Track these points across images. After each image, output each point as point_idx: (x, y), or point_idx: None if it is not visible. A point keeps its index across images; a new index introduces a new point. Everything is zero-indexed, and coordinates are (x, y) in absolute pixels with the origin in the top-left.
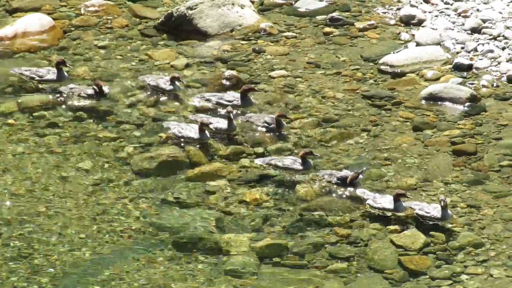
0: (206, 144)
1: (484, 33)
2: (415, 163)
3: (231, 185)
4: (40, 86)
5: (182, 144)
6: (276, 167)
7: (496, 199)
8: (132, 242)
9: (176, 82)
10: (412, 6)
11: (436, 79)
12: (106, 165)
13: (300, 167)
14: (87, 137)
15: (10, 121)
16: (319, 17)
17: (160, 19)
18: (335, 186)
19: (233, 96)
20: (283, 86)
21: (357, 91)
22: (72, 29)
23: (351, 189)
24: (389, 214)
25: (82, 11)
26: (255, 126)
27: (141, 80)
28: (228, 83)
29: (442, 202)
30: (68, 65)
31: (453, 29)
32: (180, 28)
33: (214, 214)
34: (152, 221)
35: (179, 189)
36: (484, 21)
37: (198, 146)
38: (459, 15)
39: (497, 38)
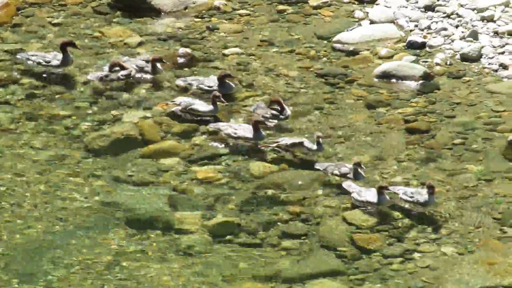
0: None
1: (437, 11)
2: (368, 141)
3: (184, 162)
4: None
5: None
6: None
7: (448, 177)
8: (85, 220)
9: (158, 65)
10: None
11: (390, 57)
12: (59, 143)
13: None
14: (40, 115)
15: None
16: None
17: None
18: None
19: (214, 81)
20: (237, 64)
21: (311, 69)
22: (26, 6)
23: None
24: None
25: None
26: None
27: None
28: (182, 60)
29: (428, 188)
30: (77, 46)
31: (406, 7)
32: (134, 6)
33: (167, 192)
34: (106, 199)
35: (132, 166)
36: None
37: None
38: None
39: (451, 16)
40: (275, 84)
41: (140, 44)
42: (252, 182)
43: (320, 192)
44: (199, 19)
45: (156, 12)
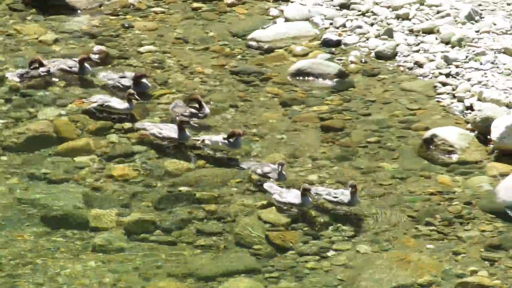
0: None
1: (352, 9)
2: (283, 139)
3: (100, 160)
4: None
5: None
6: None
7: (363, 175)
8: (0, 216)
9: (85, 64)
10: None
11: (305, 55)
12: None
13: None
14: None
15: None
16: None
17: None
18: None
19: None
20: (152, 62)
21: (226, 66)
22: None
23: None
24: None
25: None
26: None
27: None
28: (97, 58)
29: (351, 187)
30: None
31: (321, 5)
32: (49, 3)
33: (82, 190)
34: (20, 196)
35: (48, 164)
36: None
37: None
38: None
39: (366, 14)
40: (190, 81)
41: (55, 41)
42: (168, 179)
43: (235, 190)
44: (114, 17)
45: (70, 10)
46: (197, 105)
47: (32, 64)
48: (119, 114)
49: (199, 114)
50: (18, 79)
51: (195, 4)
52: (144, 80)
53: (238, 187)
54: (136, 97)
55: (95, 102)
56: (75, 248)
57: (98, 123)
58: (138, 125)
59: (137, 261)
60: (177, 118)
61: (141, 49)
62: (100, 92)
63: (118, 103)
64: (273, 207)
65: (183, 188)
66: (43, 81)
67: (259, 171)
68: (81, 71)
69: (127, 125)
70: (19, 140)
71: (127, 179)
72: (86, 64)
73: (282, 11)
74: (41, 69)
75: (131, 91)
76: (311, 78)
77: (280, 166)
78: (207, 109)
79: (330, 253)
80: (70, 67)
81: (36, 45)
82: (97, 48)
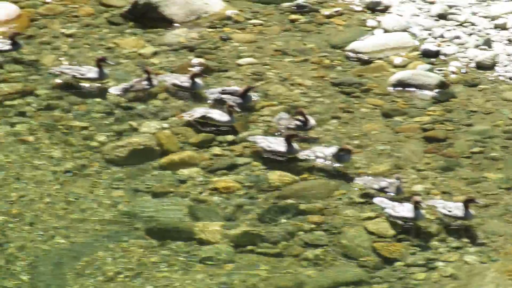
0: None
1: (450, 20)
2: (386, 150)
3: (203, 173)
4: (82, 84)
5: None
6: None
7: (468, 185)
8: (105, 231)
9: (196, 79)
10: None
11: (404, 66)
12: (78, 154)
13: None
14: (58, 126)
15: None
16: (284, 4)
17: (127, 7)
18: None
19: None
20: (251, 74)
21: (326, 78)
22: (39, 17)
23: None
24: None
25: (49, 0)
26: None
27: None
28: (196, 70)
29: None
30: (109, 62)
31: (419, 16)
32: (147, 16)
33: (186, 202)
34: (125, 209)
35: (151, 177)
36: (450, 7)
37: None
38: (425, 1)
39: (464, 24)
40: (291, 93)
41: (154, 54)
42: (273, 192)
43: (340, 201)
44: (212, 29)
45: (168, 23)
46: (302, 118)
47: (148, 74)
48: (221, 126)
49: (305, 127)
50: (121, 93)
51: (293, 16)
52: (250, 93)
53: (343, 199)
54: (236, 109)
55: (197, 114)
56: (181, 261)
57: (201, 136)
58: (250, 138)
59: (243, 273)
60: (284, 131)
61: (240, 61)
62: (202, 105)
63: (219, 115)
64: (379, 218)
65: (288, 200)
66: (145, 95)
67: (375, 186)
68: (193, 87)
69: (230, 137)
70: (122, 154)
71: (232, 191)
72: (197, 80)
73: (379, 22)
74: (144, 82)
75: (231, 103)
76: (412, 88)
77: (397, 181)
78: (312, 121)
79: (438, 264)
80: (182, 82)
81: (135, 58)
82: (196, 60)
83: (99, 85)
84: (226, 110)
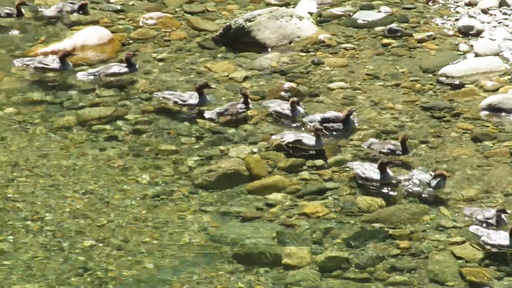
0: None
1: None
2: (475, 175)
3: (291, 197)
4: (184, 110)
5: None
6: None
7: None
8: (193, 255)
9: (297, 107)
10: (470, 17)
11: (495, 90)
12: (167, 178)
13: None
14: (147, 151)
15: (70, 134)
16: (377, 28)
17: (219, 32)
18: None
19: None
20: (342, 98)
21: (416, 102)
22: (131, 42)
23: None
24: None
25: (140, 24)
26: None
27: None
28: (287, 95)
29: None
30: (211, 86)
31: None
32: (239, 40)
33: (274, 227)
34: (213, 234)
35: (240, 201)
36: None
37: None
38: None
39: None
40: (381, 117)
41: (245, 78)
42: (360, 216)
43: (428, 226)
44: (304, 53)
45: (260, 47)
46: (399, 145)
47: (245, 97)
48: (310, 150)
49: (397, 152)
50: (215, 117)
51: (385, 40)
52: (351, 117)
53: (431, 223)
54: (325, 131)
55: (287, 139)
56: (268, 286)
57: (290, 160)
58: (348, 164)
59: None
60: (376, 156)
61: (332, 85)
62: (291, 128)
63: (308, 139)
64: (467, 243)
65: (376, 225)
66: (235, 119)
67: (480, 216)
68: (293, 113)
69: (319, 162)
70: (211, 178)
71: (319, 215)
72: (298, 107)
73: (472, 46)
74: (239, 105)
75: (318, 125)
76: (503, 113)
77: (500, 212)
78: (409, 149)
79: None
80: (283, 110)
81: (226, 82)
82: (287, 84)
83: (196, 110)
84: (314, 134)
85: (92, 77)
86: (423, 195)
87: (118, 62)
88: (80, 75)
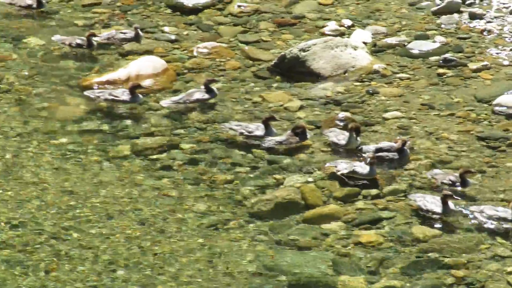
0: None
1: None
2: None
3: (347, 226)
4: (247, 141)
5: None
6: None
7: None
8: (249, 284)
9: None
10: None
11: None
12: (222, 207)
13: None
14: (202, 180)
15: (125, 163)
16: (432, 58)
17: (273, 61)
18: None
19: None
20: (397, 128)
21: (471, 132)
22: (185, 71)
23: None
24: None
25: (195, 54)
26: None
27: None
28: (342, 124)
29: None
30: (277, 119)
31: None
32: (293, 70)
33: (330, 256)
34: (268, 263)
35: (295, 231)
36: None
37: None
38: None
39: None
40: (436, 147)
41: (300, 108)
42: (416, 246)
43: (484, 255)
44: (359, 83)
45: (315, 76)
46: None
47: (297, 129)
48: (364, 179)
49: (456, 183)
50: (272, 147)
51: (440, 70)
52: (405, 147)
53: (487, 253)
54: (379, 161)
55: (341, 168)
56: None
57: (345, 190)
58: (410, 196)
59: None
60: (438, 187)
61: (386, 115)
62: (346, 157)
63: (362, 169)
64: None
65: (431, 254)
66: (290, 148)
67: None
68: (349, 141)
69: (374, 191)
70: (267, 207)
71: (375, 245)
72: (355, 135)
73: None
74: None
75: (371, 154)
76: None
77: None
78: (469, 182)
79: None
80: (339, 140)
81: (281, 112)
82: (342, 114)
83: (259, 141)
84: (367, 163)
85: (175, 104)
86: (479, 225)
87: (197, 88)
88: (164, 103)
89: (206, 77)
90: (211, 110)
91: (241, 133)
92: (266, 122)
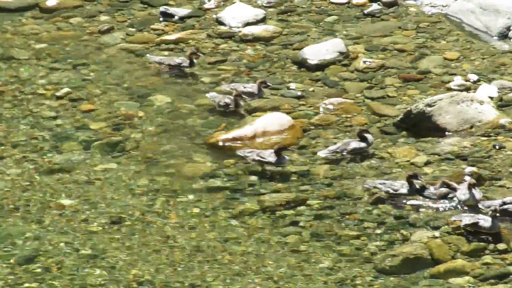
0: None
1: None
2: None
3: (475, 281)
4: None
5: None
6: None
7: None
8: None
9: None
10: None
11: None
12: (348, 264)
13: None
14: (328, 236)
15: (251, 220)
16: None
17: (399, 117)
18: None
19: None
20: None
21: None
22: (312, 128)
23: None
24: None
25: (321, 110)
26: None
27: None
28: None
29: None
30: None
31: None
32: (420, 125)
33: None
34: None
35: (423, 286)
36: None
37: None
38: None
39: None
40: None
41: (427, 163)
42: None
43: None
44: (485, 138)
45: (441, 131)
46: None
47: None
48: (488, 233)
49: None
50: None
51: None
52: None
53: None
54: (502, 214)
55: (466, 221)
56: None
57: (472, 244)
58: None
59: None
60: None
61: None
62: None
63: (485, 222)
64: None
65: None
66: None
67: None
68: (469, 197)
69: (502, 245)
70: (394, 263)
71: None
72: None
73: None
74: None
75: (494, 207)
76: None
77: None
78: None
79: None
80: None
81: (407, 167)
82: (469, 169)
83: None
84: (490, 215)
85: (333, 154)
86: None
87: (352, 138)
88: (321, 153)
89: (360, 128)
90: (337, 166)
91: (387, 192)
92: (410, 180)
